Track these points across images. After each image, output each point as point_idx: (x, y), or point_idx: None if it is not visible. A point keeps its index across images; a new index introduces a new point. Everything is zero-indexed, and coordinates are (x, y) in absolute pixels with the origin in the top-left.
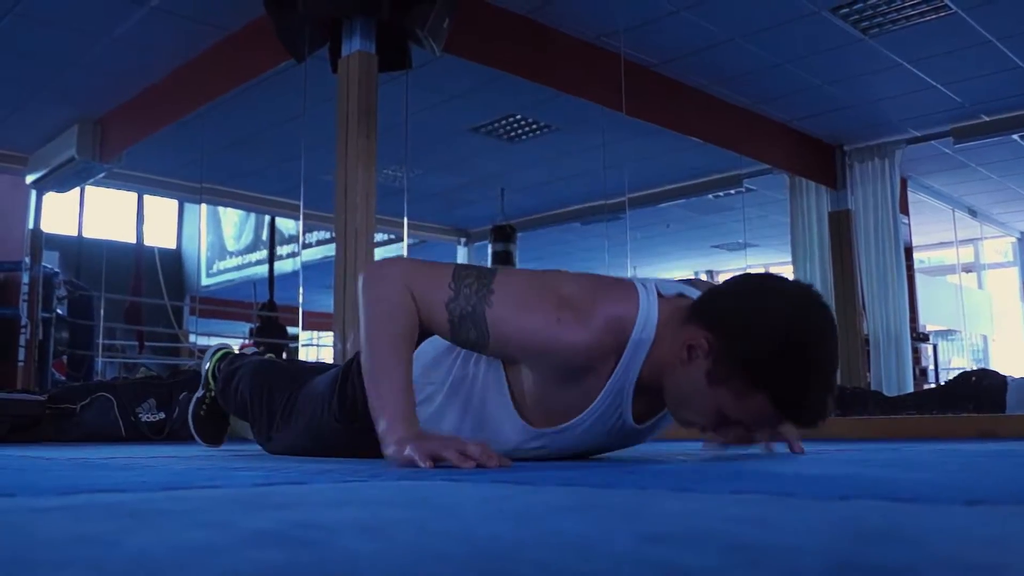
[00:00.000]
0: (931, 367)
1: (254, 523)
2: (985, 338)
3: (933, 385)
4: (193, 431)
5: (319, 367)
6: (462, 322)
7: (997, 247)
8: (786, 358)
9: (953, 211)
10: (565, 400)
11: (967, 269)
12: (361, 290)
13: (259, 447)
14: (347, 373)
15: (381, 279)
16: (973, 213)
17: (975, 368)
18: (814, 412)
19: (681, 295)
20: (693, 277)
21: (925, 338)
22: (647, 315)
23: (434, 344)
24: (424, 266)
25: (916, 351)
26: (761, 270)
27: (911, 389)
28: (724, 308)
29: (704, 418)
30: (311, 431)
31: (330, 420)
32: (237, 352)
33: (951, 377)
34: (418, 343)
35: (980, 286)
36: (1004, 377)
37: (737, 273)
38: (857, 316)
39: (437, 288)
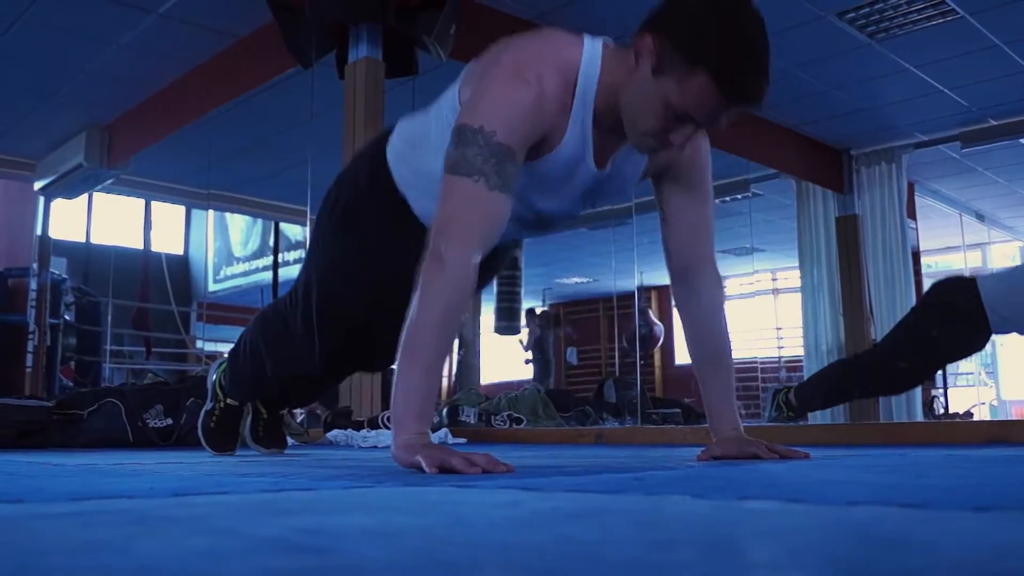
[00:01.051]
0: (939, 372)
1: (262, 530)
2: (993, 343)
3: (940, 389)
4: (204, 444)
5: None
6: (502, 173)
7: (1005, 251)
8: (716, 29)
9: (960, 216)
10: (540, 143)
11: (976, 273)
12: (425, 281)
13: (260, 450)
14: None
15: (442, 268)
16: (981, 217)
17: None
18: (751, 83)
19: None
20: None
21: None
22: (592, 51)
23: (411, 122)
24: (455, 207)
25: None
26: (768, 275)
27: (918, 394)
28: (661, 7)
29: (654, 118)
30: (321, 276)
31: (368, 194)
32: None
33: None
34: None
35: None
36: (973, 280)
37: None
38: (865, 321)
39: (476, 198)
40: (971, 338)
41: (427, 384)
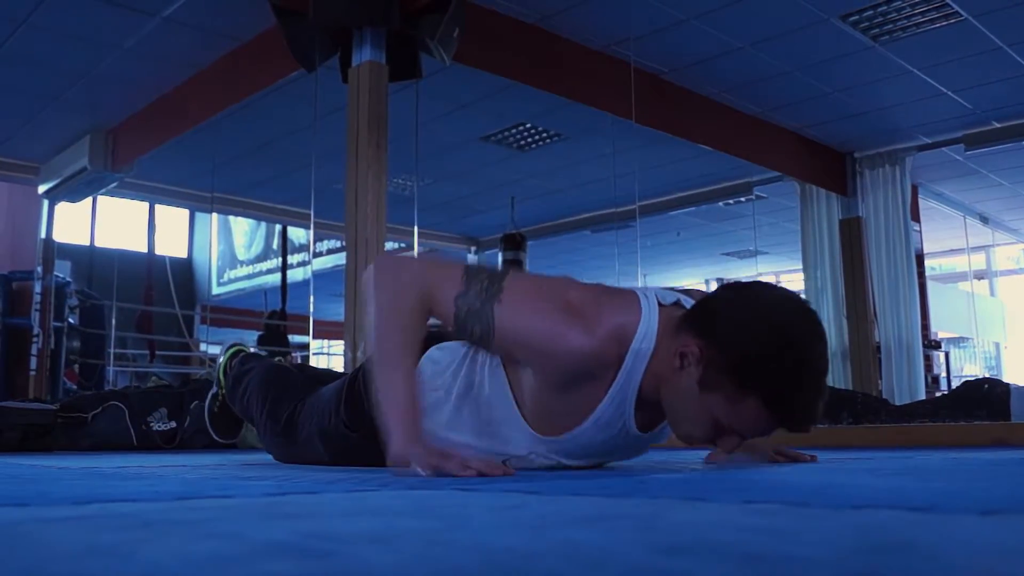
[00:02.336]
0: (943, 375)
1: (266, 534)
2: (997, 345)
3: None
4: (208, 427)
5: (326, 375)
6: (468, 317)
7: (1009, 254)
8: (774, 359)
9: (964, 218)
10: (567, 407)
11: (979, 276)
12: (372, 279)
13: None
14: (354, 380)
15: (393, 272)
16: (985, 220)
17: (985, 376)
18: (805, 414)
19: (678, 303)
20: (692, 288)
21: (937, 346)
22: (648, 325)
23: (443, 353)
24: (436, 262)
25: (928, 359)
26: (771, 278)
27: (923, 397)
28: (713, 314)
29: (700, 427)
30: (319, 439)
31: (338, 426)
32: (251, 351)
33: (960, 384)
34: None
35: (992, 293)
36: (1008, 385)
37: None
38: (868, 324)
39: (449, 281)
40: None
41: (404, 389)
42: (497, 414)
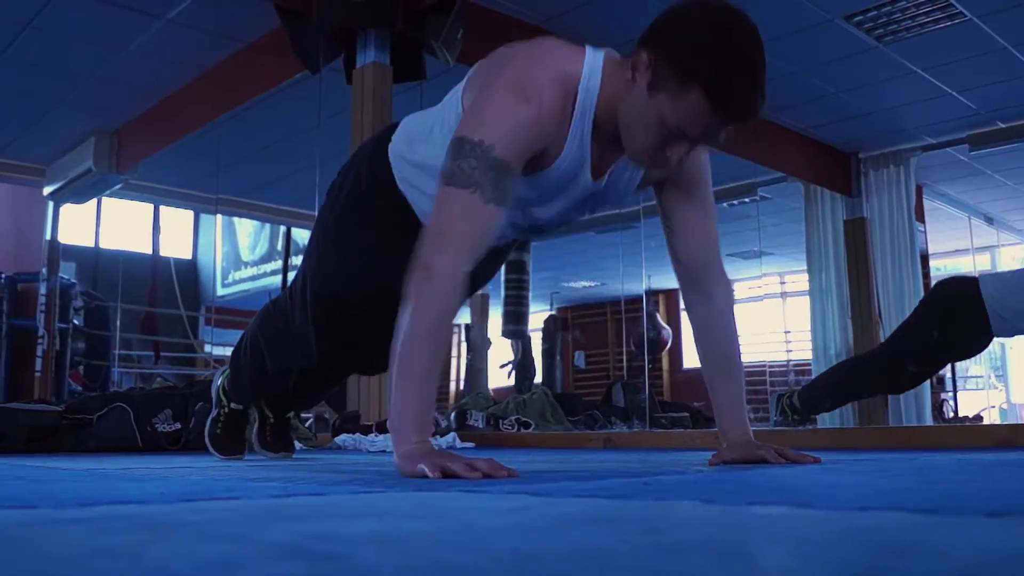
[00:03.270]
0: (948, 375)
1: (272, 536)
2: (1003, 345)
3: (950, 392)
4: (211, 449)
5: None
6: (499, 186)
7: (1014, 254)
8: (710, 46)
9: (969, 218)
10: (540, 155)
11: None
12: (415, 291)
13: (265, 455)
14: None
15: (430, 276)
16: (989, 220)
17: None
18: (742, 102)
19: None
20: None
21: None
22: (592, 63)
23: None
24: (449, 217)
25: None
26: (777, 279)
27: (927, 398)
28: (657, 24)
29: (650, 134)
30: (317, 259)
31: (369, 191)
32: None
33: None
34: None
35: None
36: (974, 277)
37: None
38: (873, 325)
39: (471, 210)
40: (972, 339)
41: (422, 394)
42: None
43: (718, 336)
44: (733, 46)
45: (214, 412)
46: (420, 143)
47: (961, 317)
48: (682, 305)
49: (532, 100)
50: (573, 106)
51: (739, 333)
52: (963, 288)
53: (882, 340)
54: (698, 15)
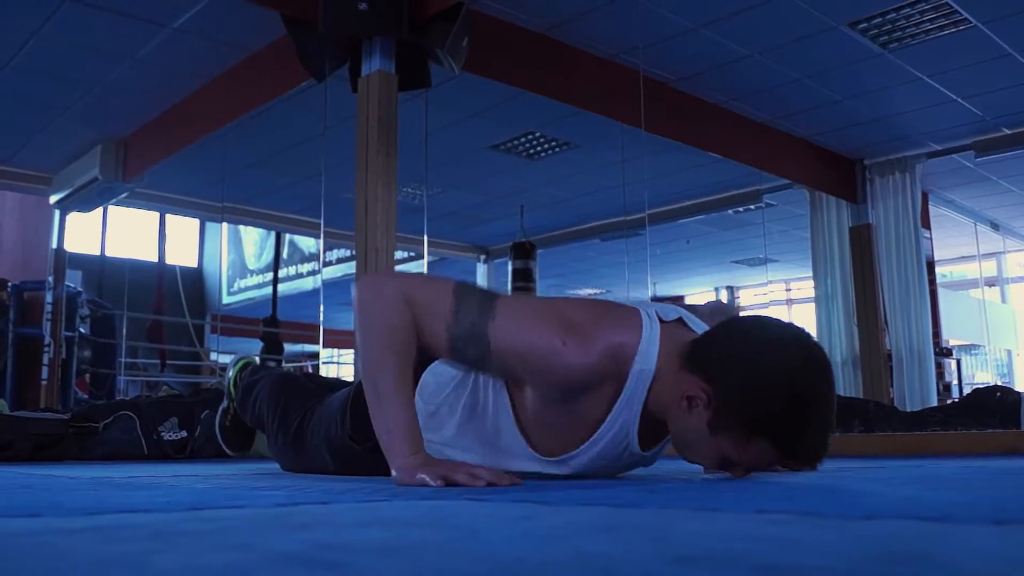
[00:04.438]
0: (955, 382)
1: (278, 544)
2: (1009, 352)
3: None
4: (220, 440)
5: (335, 384)
6: (463, 339)
7: (1020, 260)
8: (781, 411)
9: (975, 225)
10: (569, 427)
11: (990, 283)
12: (357, 306)
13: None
14: (359, 392)
15: (378, 296)
16: (995, 227)
17: (997, 383)
18: (811, 454)
19: (681, 320)
20: (694, 304)
21: (948, 353)
22: (648, 344)
23: (445, 368)
24: (422, 281)
25: (939, 366)
26: (782, 286)
27: (935, 404)
28: (721, 358)
29: (709, 460)
30: (326, 449)
31: (343, 438)
32: (259, 363)
33: (970, 392)
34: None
35: (1004, 300)
36: (1019, 394)
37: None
38: (879, 331)
39: (439, 302)
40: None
41: (400, 407)
42: (502, 436)
43: None
44: (805, 406)
45: (224, 403)
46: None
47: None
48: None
49: (562, 349)
50: (620, 387)
51: None
52: (1004, 397)
53: (888, 347)
54: (771, 369)
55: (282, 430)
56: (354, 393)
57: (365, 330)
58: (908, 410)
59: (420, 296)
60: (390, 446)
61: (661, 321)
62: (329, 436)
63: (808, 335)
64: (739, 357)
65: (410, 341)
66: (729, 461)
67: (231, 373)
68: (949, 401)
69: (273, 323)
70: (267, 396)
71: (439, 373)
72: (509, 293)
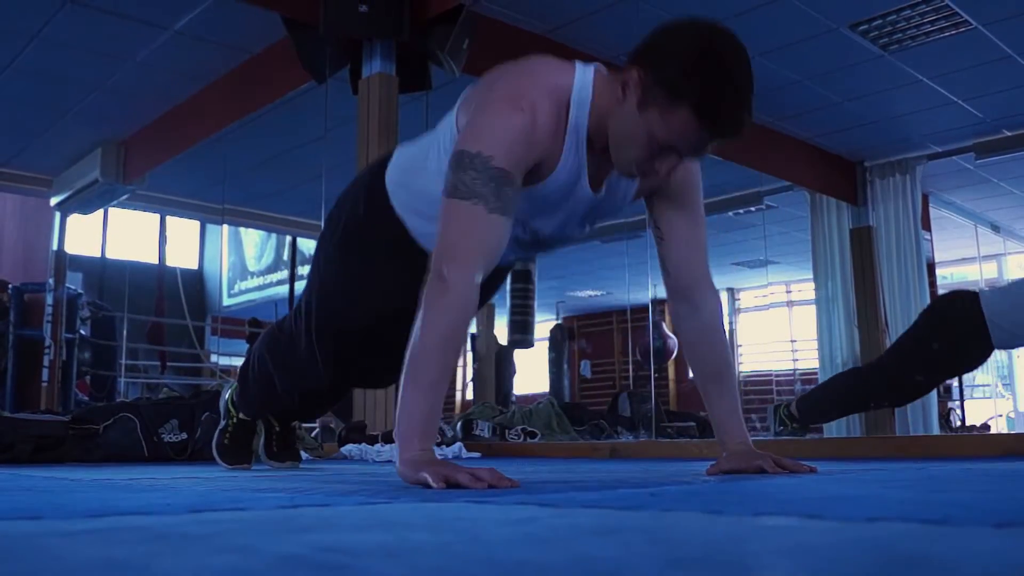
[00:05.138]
0: (955, 384)
1: (280, 547)
2: (1010, 355)
3: (957, 401)
4: (219, 461)
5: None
6: (501, 196)
7: (1021, 262)
8: (699, 65)
9: (976, 227)
10: (537, 167)
11: (991, 285)
12: (426, 303)
13: (273, 465)
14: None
15: (449, 288)
16: (996, 228)
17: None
18: (730, 119)
19: None
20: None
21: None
22: (583, 77)
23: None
24: (454, 231)
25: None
26: (783, 288)
27: (934, 406)
28: (647, 42)
29: (639, 148)
30: (320, 291)
31: (367, 219)
32: None
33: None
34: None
35: None
36: (975, 293)
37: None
38: (880, 333)
39: (475, 221)
40: (971, 352)
41: (430, 403)
42: None
43: (711, 347)
44: (721, 66)
45: (222, 423)
46: (416, 169)
47: (961, 329)
48: (672, 319)
49: (526, 110)
50: (566, 120)
51: (745, 342)
52: (963, 301)
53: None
54: (688, 35)
55: (288, 342)
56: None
57: (424, 322)
58: (909, 415)
59: (462, 242)
60: (404, 433)
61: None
62: (327, 245)
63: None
64: (663, 35)
65: (463, 341)
66: (657, 143)
67: (227, 395)
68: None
69: (260, 326)
70: (261, 347)
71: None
72: (507, 294)
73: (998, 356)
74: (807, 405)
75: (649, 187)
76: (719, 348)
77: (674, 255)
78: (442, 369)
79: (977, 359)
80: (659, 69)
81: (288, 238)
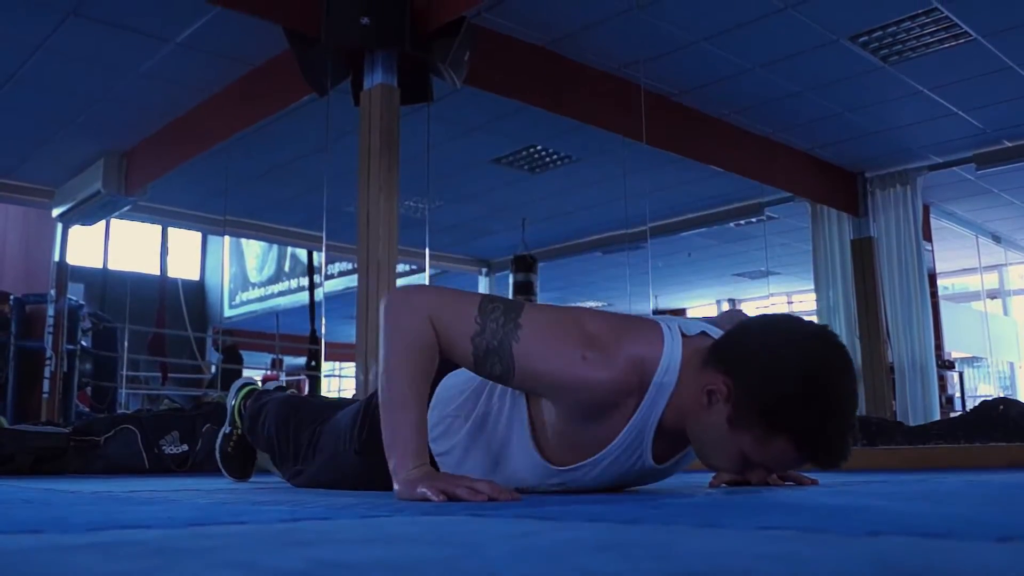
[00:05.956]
0: (957, 395)
1: (280, 561)
2: (1012, 365)
3: (958, 412)
4: (221, 467)
5: (341, 403)
6: (488, 356)
7: (1022, 273)
8: (804, 401)
9: (977, 237)
10: (585, 438)
11: (992, 295)
12: (383, 316)
13: (282, 479)
14: (368, 407)
15: (405, 308)
16: (997, 239)
17: (1000, 395)
18: (835, 452)
19: (704, 333)
20: (718, 312)
21: (951, 366)
22: (670, 357)
23: (462, 377)
24: (450, 296)
25: (942, 379)
26: (784, 298)
27: (937, 417)
28: (741, 351)
29: (729, 461)
30: (334, 464)
31: (350, 453)
32: (261, 388)
33: (975, 405)
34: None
35: (1005, 312)
36: (1023, 404)
37: (760, 313)
38: (881, 344)
39: (463, 320)
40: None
41: (410, 421)
42: (511, 446)
43: None
44: (829, 397)
45: (227, 428)
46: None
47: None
48: None
49: (583, 366)
50: (639, 401)
51: None
52: (1009, 415)
53: (890, 359)
54: (790, 358)
55: (292, 449)
56: (363, 407)
57: (388, 341)
58: (911, 423)
59: (445, 313)
60: (395, 458)
61: (683, 336)
62: (337, 450)
63: (830, 331)
64: (758, 348)
65: (430, 357)
66: (748, 461)
67: (234, 400)
68: (953, 414)
69: (230, 333)
70: (275, 420)
71: (454, 382)
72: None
73: (1000, 367)
74: None
75: None
76: None
77: None
78: (411, 383)
79: None
80: (754, 390)
81: (290, 249)
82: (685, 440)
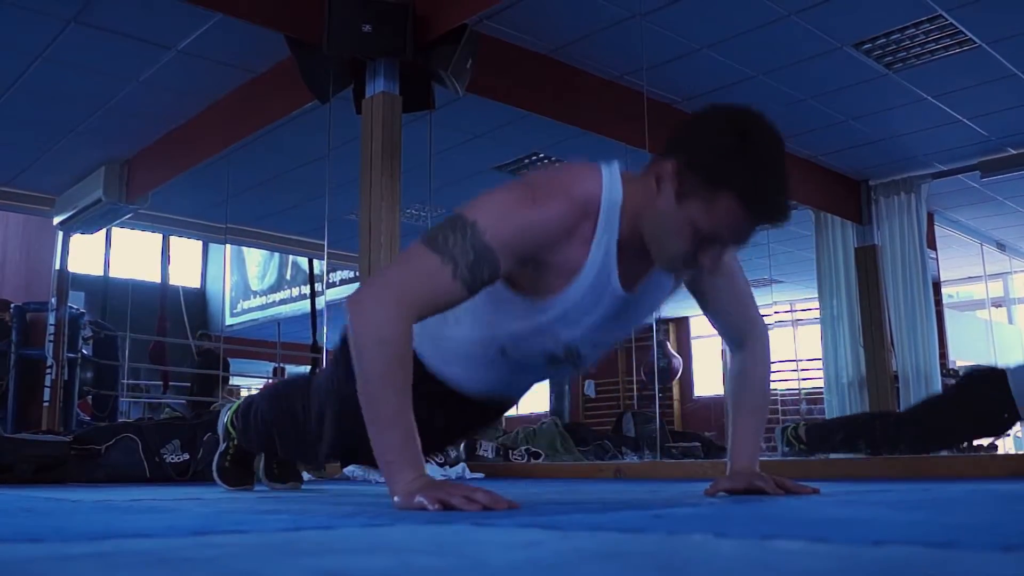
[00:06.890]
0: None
1: (283, 572)
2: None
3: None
4: (219, 483)
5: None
6: (474, 270)
7: None
8: (739, 152)
9: (981, 245)
10: (561, 271)
11: (997, 304)
12: (352, 328)
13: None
14: (341, 354)
15: (369, 316)
16: (1002, 247)
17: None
18: (775, 202)
19: None
20: None
21: (955, 374)
22: (611, 177)
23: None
24: (399, 267)
25: (946, 388)
26: (787, 307)
27: None
28: (677, 135)
29: (681, 241)
30: (333, 413)
31: (346, 387)
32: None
33: (959, 379)
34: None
35: (1010, 321)
36: (1003, 369)
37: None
38: (885, 352)
39: (434, 275)
40: (993, 430)
41: (400, 433)
42: (499, 313)
43: (750, 383)
44: (761, 150)
45: (222, 446)
46: (438, 320)
47: (988, 415)
48: (692, 333)
49: (539, 206)
50: (595, 223)
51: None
52: (991, 385)
53: (894, 368)
54: (722, 121)
55: (291, 423)
56: (336, 358)
57: (361, 357)
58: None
59: (414, 285)
60: (390, 472)
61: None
62: (330, 398)
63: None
64: (692, 126)
65: (407, 357)
66: (701, 235)
67: (226, 418)
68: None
69: (315, 348)
70: (267, 405)
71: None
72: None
73: None
74: (817, 436)
75: (688, 277)
76: (758, 384)
77: (722, 316)
78: (397, 395)
79: (995, 433)
80: (695, 157)
81: (292, 258)
82: (647, 260)
